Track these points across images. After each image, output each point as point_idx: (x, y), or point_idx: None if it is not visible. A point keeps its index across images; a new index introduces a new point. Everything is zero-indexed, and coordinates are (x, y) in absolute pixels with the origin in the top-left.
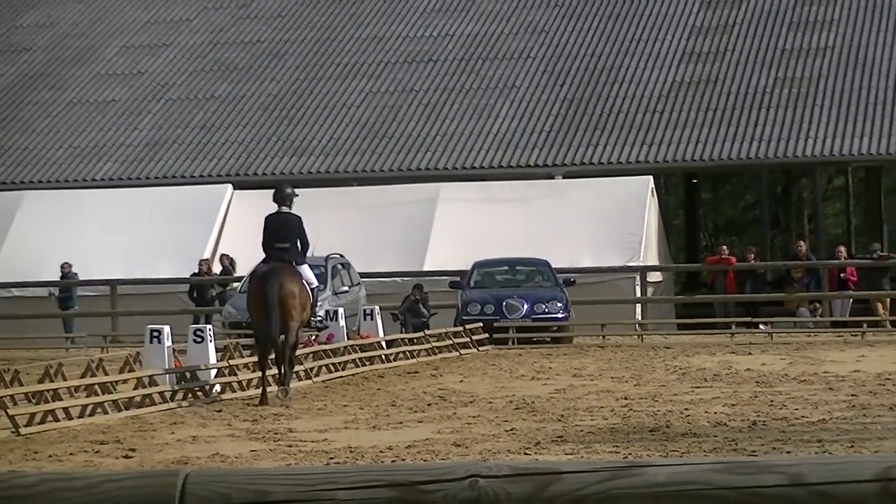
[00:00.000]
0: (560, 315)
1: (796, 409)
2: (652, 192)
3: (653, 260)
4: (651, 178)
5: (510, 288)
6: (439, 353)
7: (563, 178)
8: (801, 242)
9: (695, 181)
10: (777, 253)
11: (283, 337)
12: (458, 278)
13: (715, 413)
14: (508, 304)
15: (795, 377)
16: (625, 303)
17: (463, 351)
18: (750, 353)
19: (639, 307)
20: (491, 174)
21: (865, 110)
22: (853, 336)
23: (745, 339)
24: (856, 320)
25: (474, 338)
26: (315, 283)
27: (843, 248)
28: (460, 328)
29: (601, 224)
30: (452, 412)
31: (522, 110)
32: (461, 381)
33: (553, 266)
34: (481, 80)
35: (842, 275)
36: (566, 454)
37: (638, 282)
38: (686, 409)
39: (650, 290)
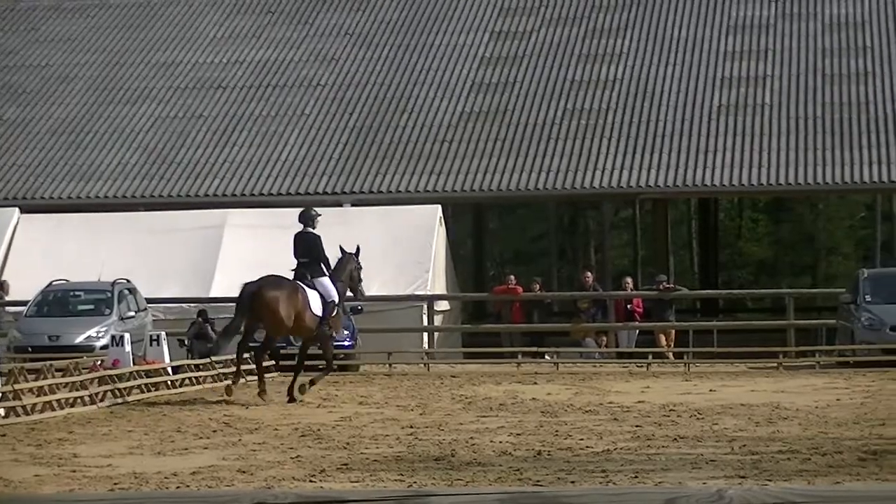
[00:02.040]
0: (347, 343)
1: (581, 440)
2: (440, 221)
3: (440, 289)
4: (439, 207)
5: None
6: (225, 379)
7: (352, 205)
8: (588, 273)
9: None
10: (564, 283)
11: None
12: None
13: (500, 442)
14: None
15: (581, 407)
16: (412, 331)
17: (249, 378)
18: (536, 383)
19: (426, 336)
20: (279, 201)
21: (653, 143)
22: (638, 367)
23: (532, 368)
24: (641, 351)
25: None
26: (333, 297)
27: (629, 280)
28: (246, 354)
29: (389, 252)
30: (238, 439)
31: (311, 138)
32: (247, 408)
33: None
34: (271, 108)
35: (628, 306)
36: (351, 482)
37: (425, 310)
38: (471, 437)
39: (437, 319)
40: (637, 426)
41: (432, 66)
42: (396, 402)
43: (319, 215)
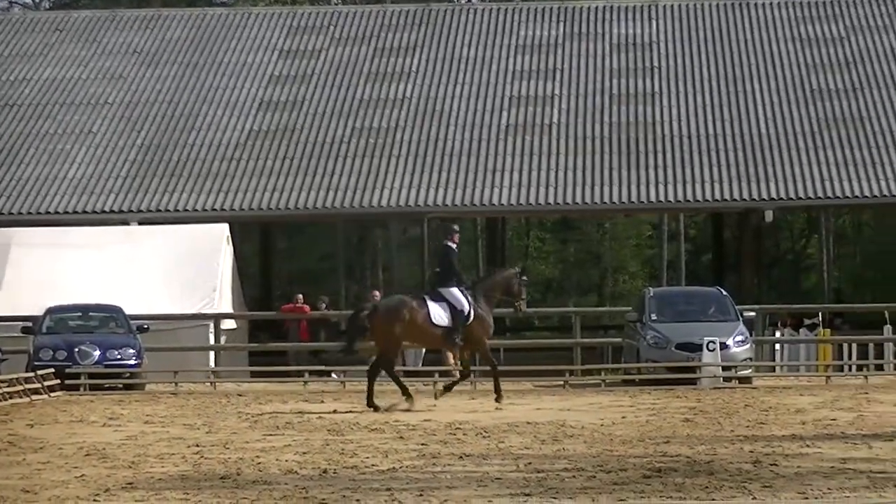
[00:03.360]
0: (133, 362)
1: (367, 458)
2: (227, 239)
3: (227, 307)
4: (227, 225)
5: (83, 334)
6: (10, 398)
7: (139, 224)
8: (376, 292)
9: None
10: (352, 302)
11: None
12: (30, 324)
13: (286, 461)
14: (81, 351)
15: (367, 426)
16: (198, 350)
17: (34, 397)
18: (322, 402)
19: (212, 354)
20: (66, 220)
21: (441, 161)
22: (425, 385)
23: (318, 387)
24: (428, 370)
25: (46, 384)
26: (463, 305)
27: None
28: (31, 374)
29: (175, 271)
30: (22, 458)
31: (99, 156)
32: (31, 426)
33: (127, 312)
34: (58, 126)
35: None
36: (136, 501)
37: (212, 329)
38: (257, 456)
39: (224, 338)
40: (423, 444)
41: (220, 84)
42: (182, 421)
43: (456, 230)
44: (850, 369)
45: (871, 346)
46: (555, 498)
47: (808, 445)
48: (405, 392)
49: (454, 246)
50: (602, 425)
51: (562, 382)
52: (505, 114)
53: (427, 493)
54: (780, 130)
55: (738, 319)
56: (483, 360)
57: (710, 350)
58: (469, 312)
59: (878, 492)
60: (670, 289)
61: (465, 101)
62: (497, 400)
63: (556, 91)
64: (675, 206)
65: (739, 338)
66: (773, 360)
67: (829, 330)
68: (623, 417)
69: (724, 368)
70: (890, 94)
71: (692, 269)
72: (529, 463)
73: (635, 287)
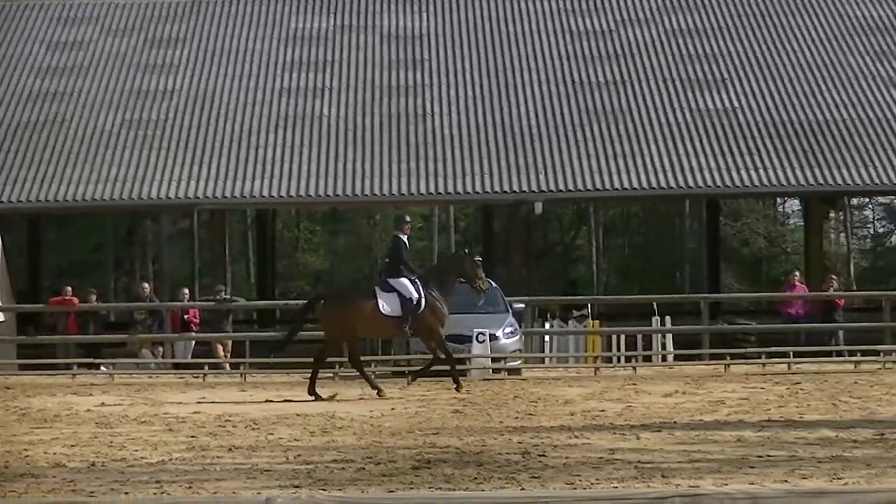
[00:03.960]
0: None
1: (136, 450)
2: None
3: None
4: None
5: None
6: None
7: None
8: (145, 284)
9: None
10: (121, 294)
11: None
12: None
13: (54, 453)
14: None
15: (136, 418)
16: None
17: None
18: (91, 395)
19: None
20: None
21: (211, 153)
22: (195, 377)
23: (87, 379)
24: (198, 362)
25: None
26: (412, 294)
27: (186, 291)
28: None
29: None
30: None
31: None
32: None
33: None
34: None
35: (185, 316)
36: None
37: None
38: (25, 449)
39: None
40: (192, 436)
41: None
42: None
43: (408, 222)
44: (618, 360)
45: (639, 337)
46: (324, 489)
47: (576, 436)
48: (373, 385)
49: (404, 237)
50: (372, 417)
51: (331, 374)
52: (275, 105)
53: (196, 486)
54: (548, 123)
55: (508, 311)
56: (436, 349)
57: (479, 342)
58: (419, 301)
59: (646, 482)
60: None
61: (235, 93)
62: (457, 390)
63: (327, 83)
64: (445, 198)
65: (509, 329)
66: (543, 351)
67: (597, 321)
68: (392, 409)
69: (494, 360)
70: (657, 86)
71: None
72: (299, 455)
73: None
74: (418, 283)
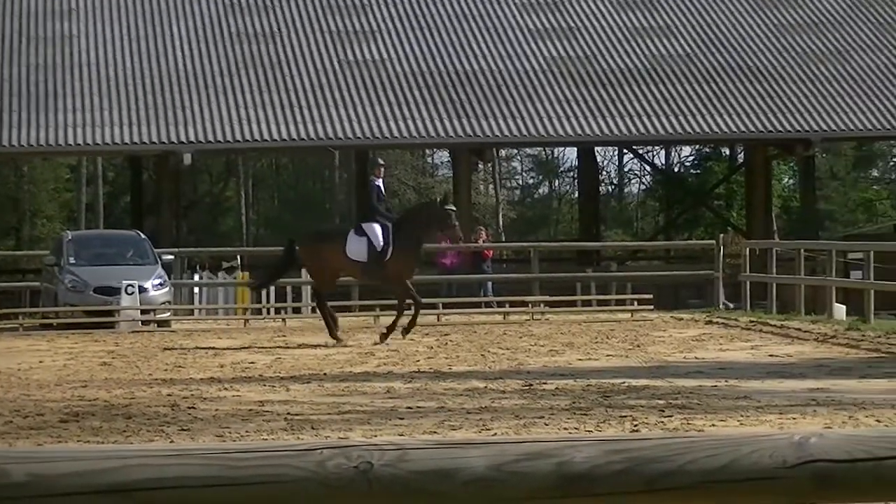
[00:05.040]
0: None
1: None
2: None
3: None
4: None
5: None
6: None
7: None
8: None
9: None
10: None
11: None
12: None
13: None
14: None
15: None
16: None
17: None
18: None
19: None
20: None
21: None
22: None
23: None
24: None
25: None
26: (379, 242)
27: None
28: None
29: None
30: None
31: None
32: None
33: None
34: None
35: None
36: None
37: None
38: None
39: None
40: None
41: None
42: None
43: (382, 164)
44: (268, 312)
45: (289, 289)
46: None
47: (226, 388)
48: (333, 323)
49: (378, 181)
50: (19, 370)
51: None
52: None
53: None
54: (198, 72)
55: (157, 263)
56: (403, 297)
57: (128, 294)
58: (385, 249)
59: (296, 434)
60: (88, 232)
61: None
62: (403, 334)
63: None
64: (92, 148)
65: (158, 281)
66: (192, 303)
67: (247, 273)
68: (40, 362)
69: (143, 312)
70: (306, 37)
71: (111, 212)
72: None
73: (53, 230)
74: (389, 229)
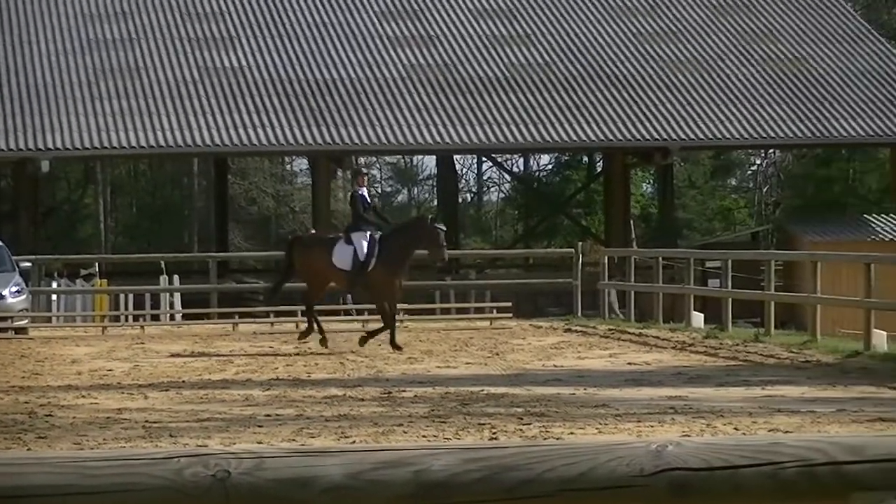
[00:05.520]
0: None
1: None
2: None
3: None
4: None
5: None
6: None
7: None
8: None
9: None
10: None
11: None
12: None
13: None
14: None
15: None
16: None
17: None
18: None
19: None
20: None
21: None
22: None
23: None
24: None
25: None
26: (362, 252)
27: None
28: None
29: None
30: None
31: None
32: None
33: None
34: None
35: None
36: None
37: None
38: None
39: None
40: None
41: None
42: None
43: (365, 173)
44: (126, 319)
45: (147, 296)
46: None
47: (83, 396)
48: (319, 331)
49: (361, 190)
50: None
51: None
52: None
53: None
54: (56, 80)
55: (15, 270)
56: (383, 309)
57: None
58: (368, 260)
59: (154, 442)
60: None
61: None
62: (360, 342)
63: None
64: None
65: (15, 288)
66: (50, 310)
67: (105, 280)
68: None
69: (1, 319)
70: (164, 44)
71: None
72: None
73: None
74: (376, 241)
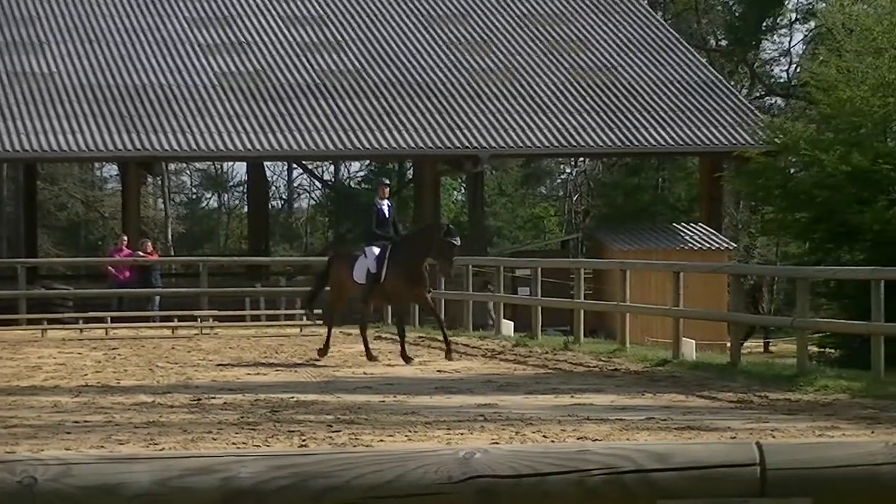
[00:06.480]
0: None
1: None
2: None
3: None
4: None
5: None
6: None
7: None
8: None
9: None
10: None
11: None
12: None
13: None
14: None
15: None
16: None
17: None
18: None
19: None
20: None
21: None
22: None
23: None
24: None
25: None
26: (372, 265)
27: None
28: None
29: None
30: None
31: None
32: None
33: None
34: None
35: None
36: None
37: None
38: None
39: None
40: None
41: None
42: None
43: (387, 185)
44: None
45: None
46: None
47: None
48: (326, 346)
49: (382, 201)
50: None
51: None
52: None
53: None
54: None
55: None
56: (394, 318)
57: None
58: (379, 272)
59: None
60: None
61: None
62: (404, 359)
63: None
64: None
65: None
66: None
67: None
68: None
69: None
70: None
71: None
72: None
73: None
74: (387, 252)
